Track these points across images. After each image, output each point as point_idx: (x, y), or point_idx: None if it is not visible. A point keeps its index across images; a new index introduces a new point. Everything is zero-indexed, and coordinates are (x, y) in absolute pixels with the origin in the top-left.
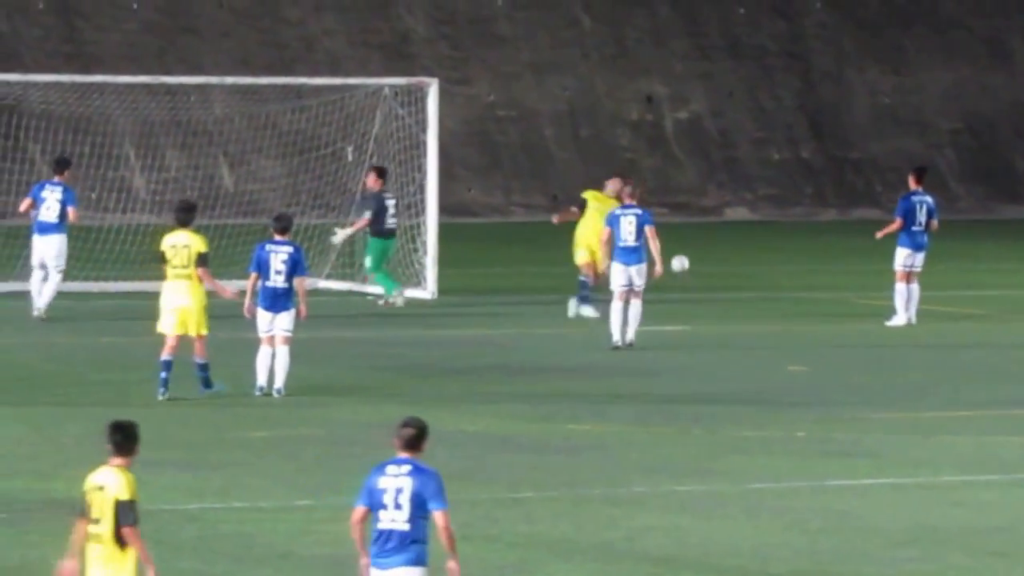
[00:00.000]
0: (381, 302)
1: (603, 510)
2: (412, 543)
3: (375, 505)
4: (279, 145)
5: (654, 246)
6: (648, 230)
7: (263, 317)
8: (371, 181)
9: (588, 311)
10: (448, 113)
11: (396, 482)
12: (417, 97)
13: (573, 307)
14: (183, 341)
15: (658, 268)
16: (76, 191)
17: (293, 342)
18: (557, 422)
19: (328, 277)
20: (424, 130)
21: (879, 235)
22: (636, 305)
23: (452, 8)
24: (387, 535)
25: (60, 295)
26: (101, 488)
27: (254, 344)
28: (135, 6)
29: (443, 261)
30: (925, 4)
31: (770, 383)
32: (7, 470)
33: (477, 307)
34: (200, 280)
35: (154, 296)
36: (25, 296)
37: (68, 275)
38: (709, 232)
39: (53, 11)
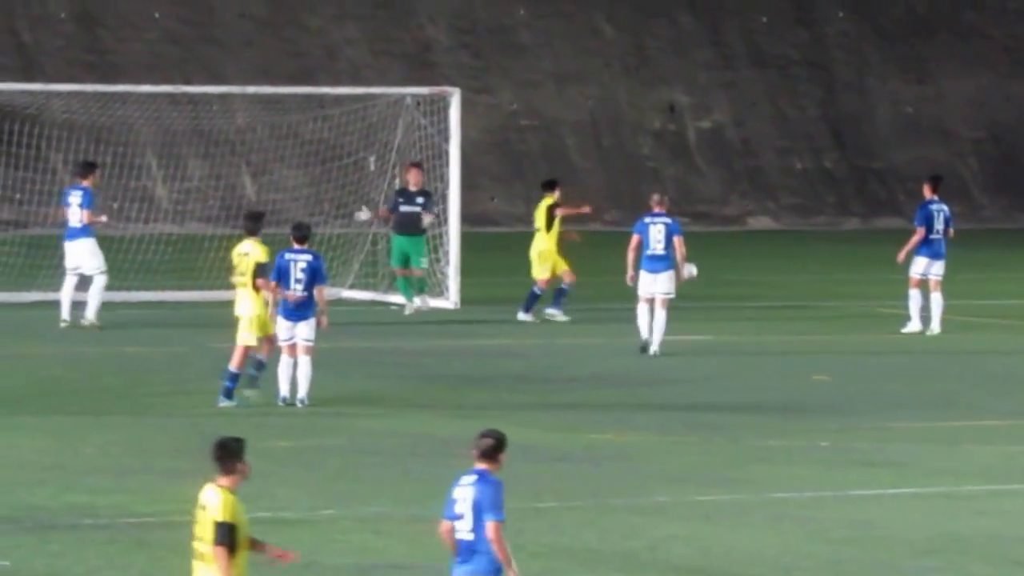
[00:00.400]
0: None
1: (626, 519)
2: (475, 553)
3: (450, 516)
4: (301, 155)
5: (680, 255)
6: (676, 240)
7: (283, 326)
8: (414, 178)
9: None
10: (470, 122)
11: (464, 492)
12: (439, 106)
13: (557, 312)
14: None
15: (682, 274)
16: (98, 195)
17: (316, 352)
18: (580, 432)
19: (352, 287)
20: (446, 139)
21: (901, 257)
22: (660, 315)
23: (474, 17)
24: (458, 544)
25: (77, 305)
26: (204, 508)
27: (276, 354)
28: (157, 16)
29: (465, 271)
30: (947, 13)
31: (793, 392)
32: (30, 479)
33: (500, 317)
34: (258, 290)
35: (177, 306)
36: (51, 306)
37: (88, 284)
38: (732, 241)
39: (75, 21)
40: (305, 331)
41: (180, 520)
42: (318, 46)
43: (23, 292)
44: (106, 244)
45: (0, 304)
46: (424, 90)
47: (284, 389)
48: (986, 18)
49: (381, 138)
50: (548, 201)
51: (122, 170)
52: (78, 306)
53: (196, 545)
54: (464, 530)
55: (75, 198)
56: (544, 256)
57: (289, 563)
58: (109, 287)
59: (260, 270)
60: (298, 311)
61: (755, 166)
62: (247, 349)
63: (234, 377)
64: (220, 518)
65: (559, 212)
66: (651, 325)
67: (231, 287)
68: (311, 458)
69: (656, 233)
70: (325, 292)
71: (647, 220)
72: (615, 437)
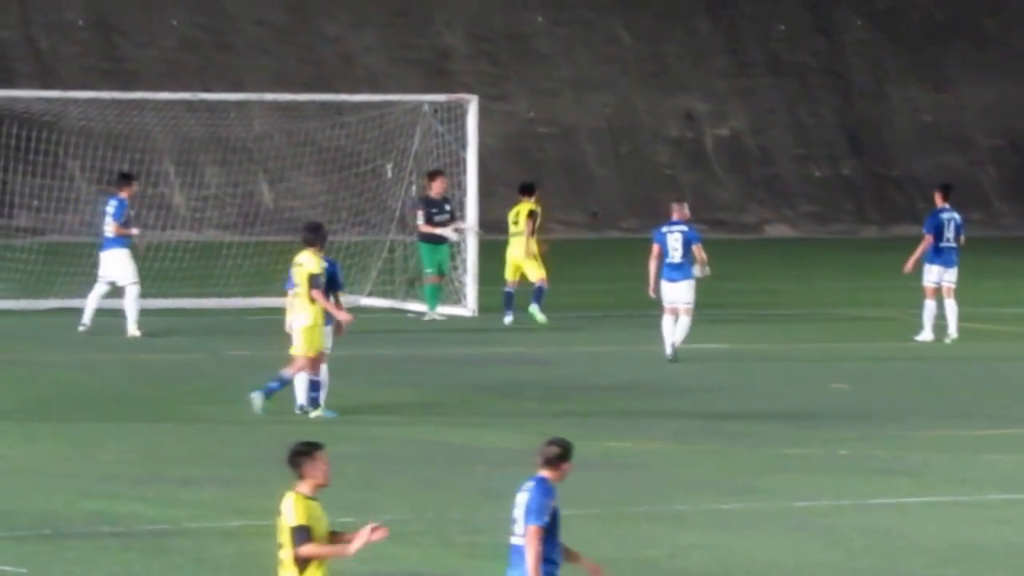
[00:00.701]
0: (426, 318)
1: (645, 528)
2: (524, 558)
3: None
4: (318, 162)
5: (699, 259)
6: (695, 248)
7: None
8: (440, 187)
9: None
10: (487, 130)
11: (520, 498)
12: (457, 114)
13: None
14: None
15: (702, 270)
16: (133, 207)
17: (334, 359)
18: (598, 439)
19: (370, 295)
20: (463, 147)
21: (909, 267)
22: (684, 320)
23: (491, 25)
24: (511, 549)
25: (99, 312)
26: (281, 514)
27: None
28: (174, 23)
29: (483, 278)
30: (965, 21)
31: (811, 400)
32: (48, 486)
33: (517, 324)
34: (313, 301)
35: (194, 313)
36: (68, 312)
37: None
38: (749, 249)
39: (92, 28)
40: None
41: (196, 527)
42: (335, 53)
43: (40, 299)
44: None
45: (17, 311)
46: (441, 97)
47: (301, 397)
48: (1004, 25)
49: (398, 145)
50: (529, 206)
51: (139, 177)
52: (100, 313)
53: (279, 553)
54: (517, 535)
55: (110, 208)
56: (533, 258)
57: (381, 538)
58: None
59: (313, 281)
60: None
61: (773, 174)
62: (308, 357)
63: (316, 385)
64: (294, 523)
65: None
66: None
67: (251, 295)
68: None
69: (673, 241)
70: (343, 299)
71: (664, 229)
72: (633, 445)
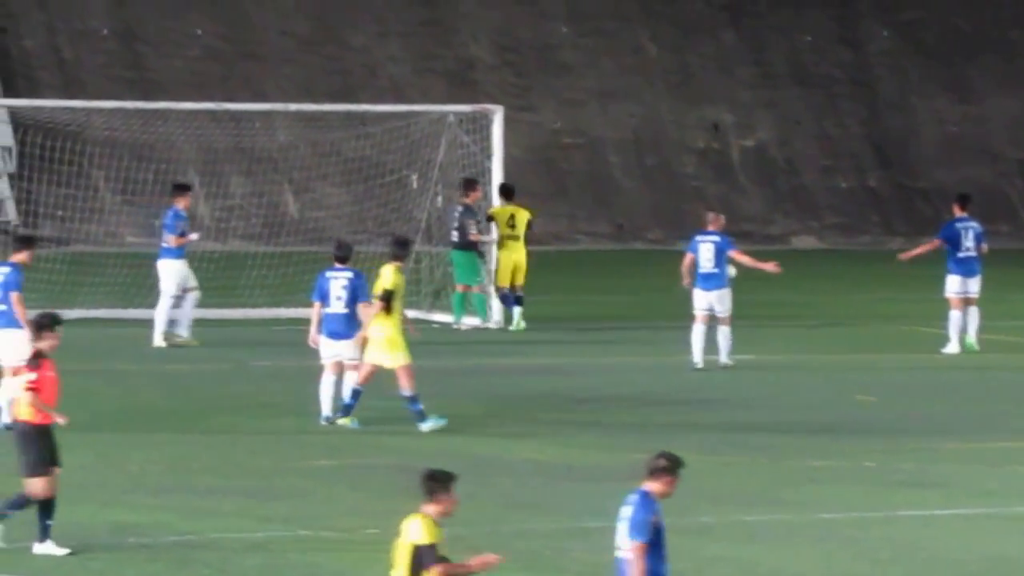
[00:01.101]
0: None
1: (670, 540)
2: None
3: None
4: (343, 172)
5: (747, 261)
6: (733, 254)
7: (325, 344)
8: (477, 195)
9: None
10: (513, 140)
11: (623, 511)
12: (481, 124)
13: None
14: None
15: (770, 268)
16: (185, 217)
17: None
18: (623, 451)
19: None
20: (488, 157)
21: (906, 256)
22: (724, 331)
23: (516, 35)
24: (616, 563)
25: (123, 323)
26: (400, 535)
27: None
28: (199, 32)
29: None
30: (991, 32)
31: (838, 412)
32: (73, 497)
33: (542, 335)
34: (388, 313)
35: (219, 323)
36: (91, 323)
37: (130, 302)
38: (775, 260)
39: (117, 38)
40: (350, 349)
41: (221, 538)
42: (360, 64)
43: (65, 309)
44: (149, 262)
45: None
46: (466, 108)
47: (326, 408)
48: None
49: (423, 156)
50: (527, 214)
51: (164, 187)
52: (124, 324)
53: (391, 574)
54: (621, 548)
55: (165, 219)
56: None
57: (496, 563)
58: (149, 305)
59: (384, 295)
60: (341, 329)
61: (799, 185)
62: (374, 368)
63: (356, 394)
64: (424, 541)
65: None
66: (704, 348)
67: (275, 305)
68: (354, 477)
69: (706, 251)
70: (368, 310)
71: (698, 239)
72: None
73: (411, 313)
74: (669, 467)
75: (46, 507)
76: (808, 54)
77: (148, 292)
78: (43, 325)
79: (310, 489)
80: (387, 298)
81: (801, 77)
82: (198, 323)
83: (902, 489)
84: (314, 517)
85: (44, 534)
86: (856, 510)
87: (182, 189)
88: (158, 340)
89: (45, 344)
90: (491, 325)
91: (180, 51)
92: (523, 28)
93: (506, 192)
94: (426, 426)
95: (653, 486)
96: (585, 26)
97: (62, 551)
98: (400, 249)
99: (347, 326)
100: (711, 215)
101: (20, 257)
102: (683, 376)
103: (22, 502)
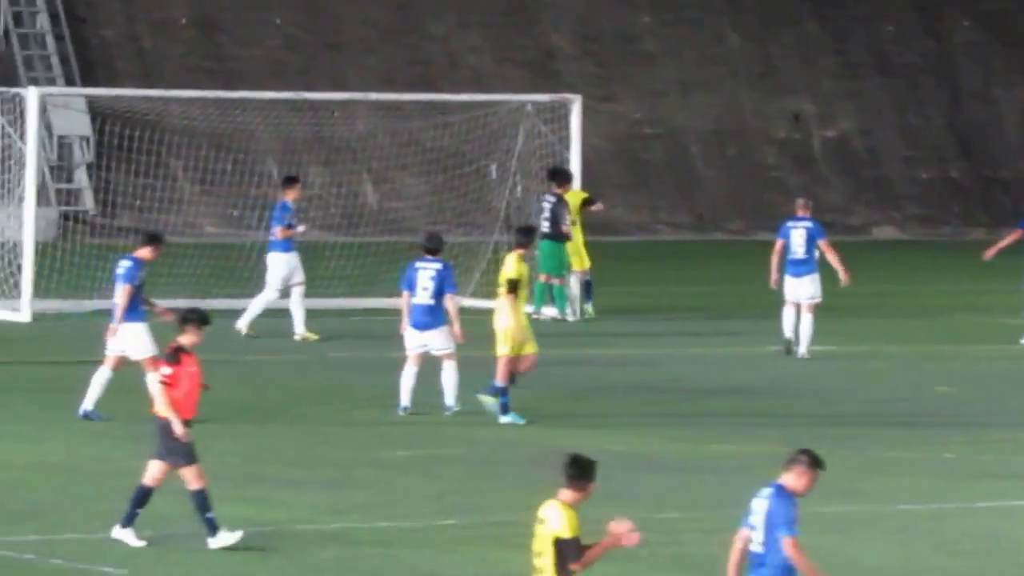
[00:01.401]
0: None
1: None
2: (762, 566)
3: (746, 524)
4: (423, 162)
5: (832, 258)
6: (821, 243)
7: (411, 335)
8: (566, 186)
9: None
10: (593, 130)
11: (760, 504)
12: (560, 114)
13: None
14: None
15: (843, 276)
16: (292, 209)
17: (437, 362)
18: (702, 442)
19: (473, 295)
20: (567, 147)
21: (990, 254)
22: (806, 319)
23: (598, 25)
24: (750, 555)
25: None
26: (542, 522)
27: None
28: (278, 22)
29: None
30: None
31: (917, 403)
32: None
33: (623, 326)
34: (514, 300)
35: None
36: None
37: (208, 293)
38: (857, 251)
39: (196, 27)
40: (439, 340)
41: (299, 529)
42: (441, 53)
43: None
44: (228, 252)
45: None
46: (545, 97)
47: (405, 398)
48: None
49: (502, 146)
50: (582, 195)
51: (242, 177)
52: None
53: (534, 560)
54: (756, 542)
55: (273, 211)
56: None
57: (636, 544)
58: (231, 295)
59: (509, 285)
60: (427, 320)
61: (880, 175)
62: (508, 361)
63: (503, 391)
64: (566, 535)
65: (595, 207)
66: (796, 328)
67: (354, 295)
68: (431, 468)
69: (797, 237)
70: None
71: (789, 224)
72: (738, 448)
73: (489, 304)
74: (809, 463)
75: (201, 498)
76: (890, 44)
77: (226, 282)
78: (188, 320)
79: (388, 480)
80: (513, 287)
81: (883, 67)
82: (276, 314)
83: (982, 481)
84: (392, 508)
85: (211, 528)
86: (935, 501)
87: (291, 181)
88: (242, 323)
89: (187, 339)
90: (569, 318)
91: (259, 40)
92: (605, 17)
93: (564, 175)
94: (505, 419)
95: (790, 482)
96: (667, 16)
97: (139, 542)
98: (524, 237)
99: (432, 317)
100: (800, 200)
101: (143, 252)
102: (763, 367)
103: (144, 497)
